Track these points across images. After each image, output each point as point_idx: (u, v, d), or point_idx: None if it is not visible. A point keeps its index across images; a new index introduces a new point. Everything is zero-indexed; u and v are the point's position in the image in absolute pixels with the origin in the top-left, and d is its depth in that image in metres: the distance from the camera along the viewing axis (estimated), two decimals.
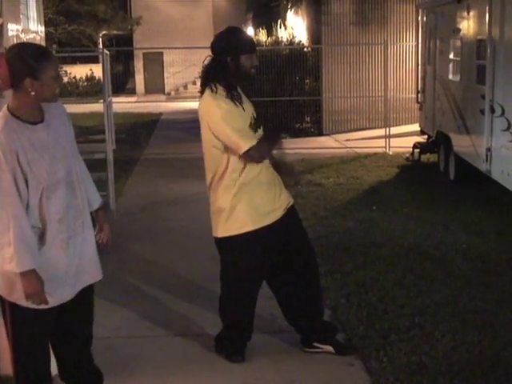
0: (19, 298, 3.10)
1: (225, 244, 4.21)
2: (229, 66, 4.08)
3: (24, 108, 3.09)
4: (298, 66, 16.24)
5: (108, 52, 12.79)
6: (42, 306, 3.11)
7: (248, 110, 4.17)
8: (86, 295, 3.33)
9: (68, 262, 3.17)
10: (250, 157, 4.05)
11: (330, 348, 4.39)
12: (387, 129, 13.28)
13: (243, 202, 4.11)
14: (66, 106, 3.34)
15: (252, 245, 4.14)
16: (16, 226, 3.00)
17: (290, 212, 4.29)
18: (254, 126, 4.15)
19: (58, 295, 3.17)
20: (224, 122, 4.02)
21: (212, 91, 4.07)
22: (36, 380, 3.31)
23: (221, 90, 4.07)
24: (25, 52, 3.07)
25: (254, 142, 4.03)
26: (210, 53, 4.15)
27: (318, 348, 4.41)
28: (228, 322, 4.37)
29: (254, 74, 4.20)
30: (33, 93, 3.05)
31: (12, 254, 3.00)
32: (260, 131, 4.20)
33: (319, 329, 4.44)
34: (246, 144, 4.01)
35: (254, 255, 4.18)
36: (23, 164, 3.02)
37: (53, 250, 3.12)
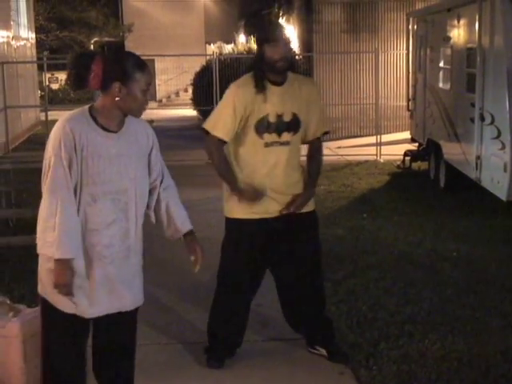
0: (49, 292, 3.08)
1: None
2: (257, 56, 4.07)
3: (104, 112, 3.08)
4: None
5: None
6: (68, 310, 3.08)
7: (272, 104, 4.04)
8: (125, 321, 3.26)
9: (98, 277, 3.11)
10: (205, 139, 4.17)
11: (324, 352, 4.39)
12: (378, 136, 13.32)
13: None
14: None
15: (238, 232, 4.20)
16: (63, 212, 2.96)
17: (302, 220, 4.23)
18: (272, 125, 4.05)
19: (81, 306, 3.11)
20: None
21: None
22: None
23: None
24: (123, 56, 3.09)
25: (212, 129, 4.06)
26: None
27: (318, 350, 4.41)
28: (214, 319, 4.35)
29: (282, 67, 3.95)
30: (117, 98, 3.03)
31: (54, 238, 2.96)
32: (284, 135, 4.07)
33: (316, 332, 4.43)
34: (206, 123, 4.12)
35: (240, 243, 4.20)
36: (78, 159, 3.01)
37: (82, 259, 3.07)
